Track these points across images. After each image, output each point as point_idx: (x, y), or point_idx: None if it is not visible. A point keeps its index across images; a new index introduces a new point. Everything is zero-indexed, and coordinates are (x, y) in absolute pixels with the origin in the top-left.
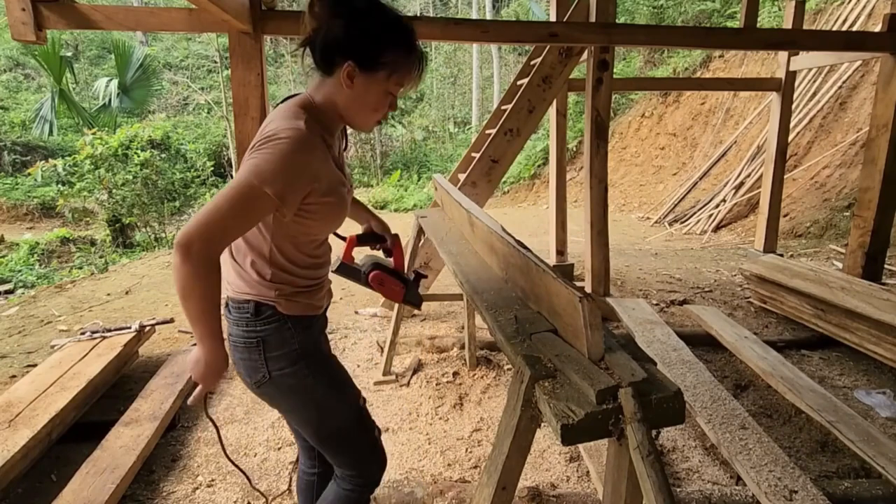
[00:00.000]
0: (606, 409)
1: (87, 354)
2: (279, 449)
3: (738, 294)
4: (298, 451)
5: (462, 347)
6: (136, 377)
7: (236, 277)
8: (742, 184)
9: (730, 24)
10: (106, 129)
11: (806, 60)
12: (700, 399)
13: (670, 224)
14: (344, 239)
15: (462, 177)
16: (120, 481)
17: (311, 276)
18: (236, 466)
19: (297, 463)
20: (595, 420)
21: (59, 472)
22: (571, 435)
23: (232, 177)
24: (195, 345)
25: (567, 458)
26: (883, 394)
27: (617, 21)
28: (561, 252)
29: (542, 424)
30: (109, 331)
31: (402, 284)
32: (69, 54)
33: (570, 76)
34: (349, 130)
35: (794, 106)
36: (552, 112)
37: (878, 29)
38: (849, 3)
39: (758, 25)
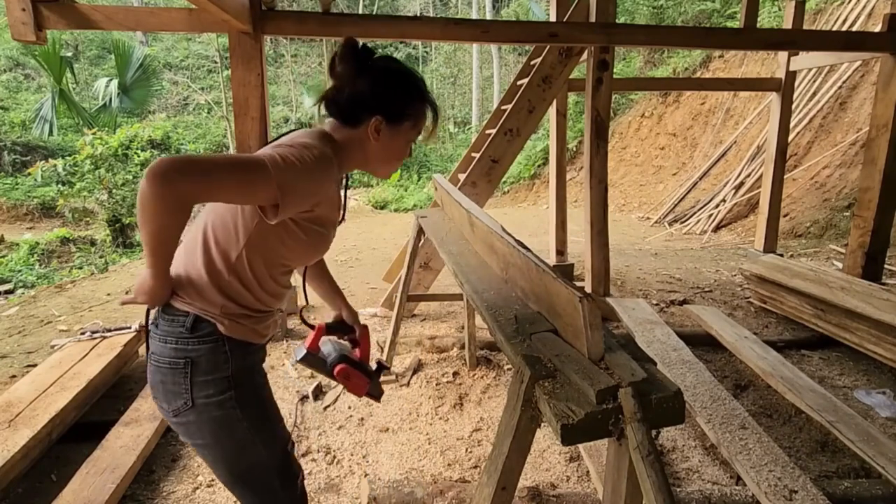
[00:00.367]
0: (606, 409)
1: (87, 354)
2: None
3: (738, 294)
4: None
5: (462, 347)
6: (136, 377)
7: (183, 282)
8: (742, 184)
9: (730, 24)
10: (106, 129)
11: (806, 60)
12: (700, 399)
13: (670, 224)
14: (312, 327)
15: (462, 177)
16: (120, 481)
17: (264, 302)
18: None
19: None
20: (595, 420)
21: (59, 472)
22: (571, 435)
23: None
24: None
25: (567, 458)
26: (883, 394)
27: (617, 21)
28: (561, 252)
29: (542, 424)
30: (109, 331)
31: (367, 379)
32: (69, 54)
33: (570, 76)
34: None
35: (794, 106)
36: (552, 112)
37: (878, 29)
38: (849, 3)
39: (758, 25)
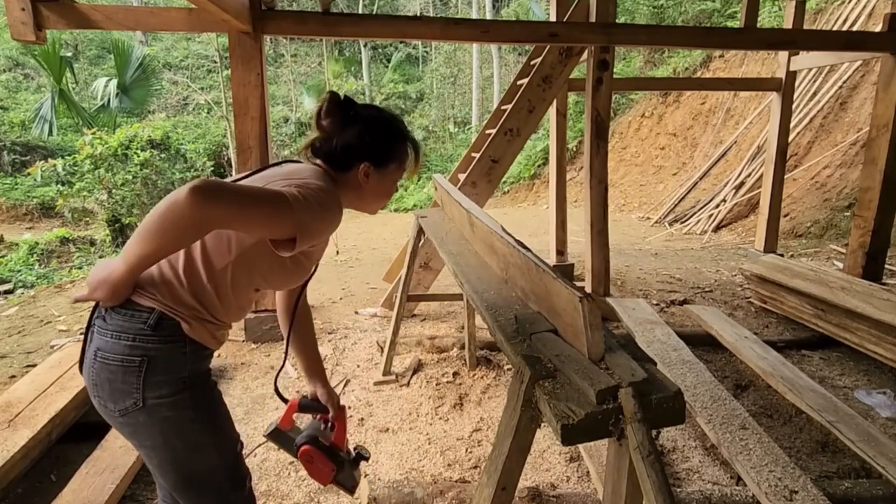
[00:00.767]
0: (606, 409)
1: None
2: (279, 449)
3: (739, 294)
4: None
5: (462, 347)
6: None
7: (153, 278)
8: (742, 184)
9: (730, 24)
10: (105, 128)
11: (806, 60)
12: (700, 399)
13: (670, 224)
14: (286, 401)
15: (462, 177)
16: (120, 481)
17: (231, 314)
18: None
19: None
20: (595, 420)
21: (58, 472)
22: (571, 435)
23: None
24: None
25: (567, 458)
26: (883, 394)
27: (617, 21)
28: (561, 252)
29: (542, 424)
30: None
31: (332, 466)
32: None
33: (570, 76)
34: None
35: (794, 106)
36: (552, 112)
37: (878, 29)
38: (849, 2)
39: (758, 25)
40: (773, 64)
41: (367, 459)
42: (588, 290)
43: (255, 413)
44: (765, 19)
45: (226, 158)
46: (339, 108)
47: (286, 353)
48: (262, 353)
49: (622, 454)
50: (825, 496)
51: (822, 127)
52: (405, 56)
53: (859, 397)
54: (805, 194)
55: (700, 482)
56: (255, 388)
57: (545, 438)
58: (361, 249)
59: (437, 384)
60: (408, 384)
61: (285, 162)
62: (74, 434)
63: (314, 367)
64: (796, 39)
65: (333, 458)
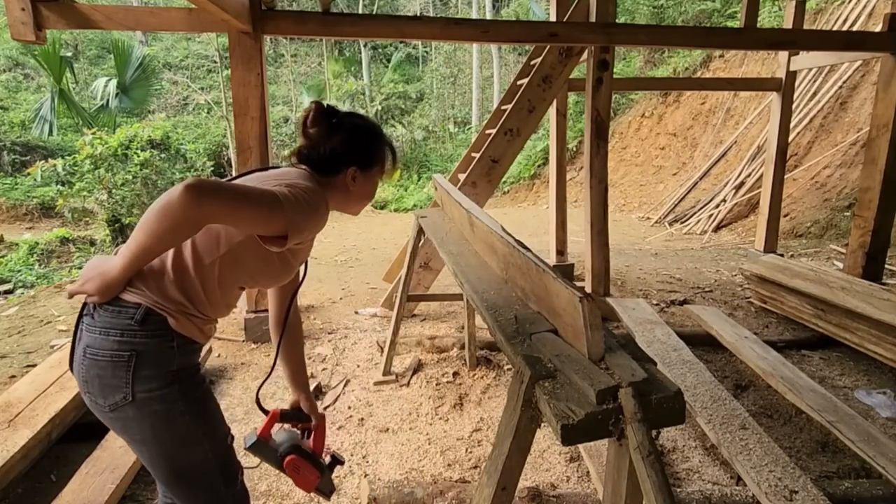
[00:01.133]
0: (606, 410)
1: None
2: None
3: (739, 294)
4: None
5: (462, 347)
6: None
7: (141, 273)
8: (742, 184)
9: (730, 23)
10: (105, 128)
11: (806, 60)
12: (700, 399)
13: (670, 224)
14: (267, 412)
15: (462, 177)
16: (120, 481)
17: (216, 310)
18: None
19: None
20: (595, 420)
21: (58, 472)
22: (571, 435)
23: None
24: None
25: (567, 458)
26: (883, 394)
27: (617, 21)
28: (561, 252)
29: (542, 424)
30: None
31: (317, 472)
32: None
33: (570, 76)
34: None
35: (794, 106)
36: (552, 112)
37: (878, 29)
38: (849, 2)
39: (758, 25)
40: (773, 64)
41: (342, 464)
42: (588, 290)
43: (256, 413)
44: (765, 19)
45: (226, 158)
46: (324, 117)
47: (274, 363)
48: (262, 353)
49: (622, 454)
50: (825, 496)
51: (822, 127)
52: (405, 56)
53: (859, 397)
54: (805, 194)
55: (700, 482)
56: (255, 388)
57: (545, 438)
58: (361, 249)
59: (437, 384)
60: (408, 384)
61: (273, 168)
62: (74, 434)
63: (299, 377)
64: (796, 39)
65: (316, 465)
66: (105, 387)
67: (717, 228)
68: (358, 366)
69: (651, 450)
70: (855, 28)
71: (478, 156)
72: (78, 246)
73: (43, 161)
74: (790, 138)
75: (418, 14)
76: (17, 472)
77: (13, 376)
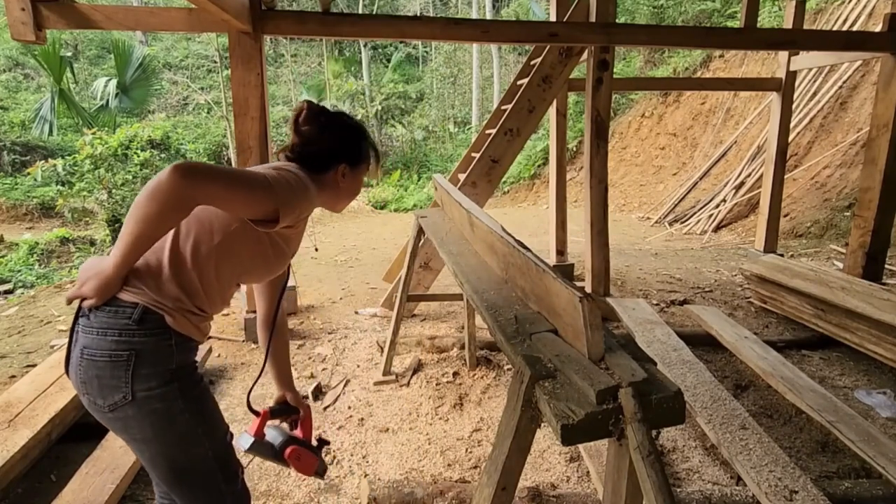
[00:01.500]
0: (606, 410)
1: None
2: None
3: (739, 294)
4: None
5: (462, 347)
6: None
7: (137, 271)
8: (742, 184)
9: (730, 23)
10: (105, 128)
11: (806, 60)
12: (700, 399)
13: (670, 224)
14: (257, 413)
15: (462, 177)
16: (120, 481)
17: (213, 305)
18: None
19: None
20: (595, 420)
21: (58, 472)
22: (571, 435)
23: None
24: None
25: (567, 458)
26: (883, 394)
27: (617, 21)
28: (561, 252)
29: (542, 424)
30: None
31: (315, 457)
32: (69, 54)
33: (570, 76)
34: None
35: (794, 106)
36: (552, 112)
37: (878, 29)
38: (849, 2)
39: (758, 25)
40: (773, 64)
41: (328, 444)
42: (588, 290)
43: None
44: (765, 19)
45: (226, 158)
46: (316, 117)
47: (264, 365)
48: (261, 353)
49: (622, 454)
50: (825, 496)
51: (822, 127)
52: (405, 56)
53: (859, 397)
54: (805, 194)
55: (700, 482)
56: (255, 387)
57: (545, 438)
58: (361, 249)
59: (437, 384)
60: (408, 384)
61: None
62: (74, 434)
63: (285, 376)
64: (796, 39)
65: (312, 451)
66: (104, 387)
67: (717, 228)
68: (358, 366)
69: (651, 450)
70: (855, 28)
71: (478, 156)
72: (78, 246)
73: (43, 161)
74: (790, 138)
75: (418, 14)
76: (17, 472)
77: (13, 376)
